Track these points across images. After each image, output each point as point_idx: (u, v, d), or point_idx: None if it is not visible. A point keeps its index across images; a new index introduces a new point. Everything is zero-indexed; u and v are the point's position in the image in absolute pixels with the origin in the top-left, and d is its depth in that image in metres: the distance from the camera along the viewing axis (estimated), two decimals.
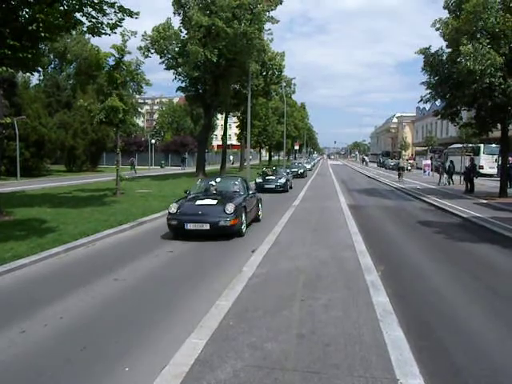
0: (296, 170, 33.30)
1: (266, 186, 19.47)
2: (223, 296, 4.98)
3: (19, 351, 3.84)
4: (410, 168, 45.68)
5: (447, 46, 17.27)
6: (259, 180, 20.15)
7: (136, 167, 35.70)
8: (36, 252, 6.99)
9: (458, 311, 5.01)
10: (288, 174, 23.41)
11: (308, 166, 48.01)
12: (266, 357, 3.51)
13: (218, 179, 11.42)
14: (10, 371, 3.51)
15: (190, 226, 8.56)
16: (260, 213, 11.45)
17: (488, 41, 15.06)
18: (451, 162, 26.43)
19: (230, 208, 8.71)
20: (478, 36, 15.45)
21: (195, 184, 11.35)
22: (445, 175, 25.82)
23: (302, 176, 32.73)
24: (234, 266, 6.53)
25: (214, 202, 9.23)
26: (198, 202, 9.25)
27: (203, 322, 4.24)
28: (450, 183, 25.42)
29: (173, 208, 8.96)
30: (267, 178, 20.55)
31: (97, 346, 3.95)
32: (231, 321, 4.25)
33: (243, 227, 9.28)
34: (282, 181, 20.02)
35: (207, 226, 8.52)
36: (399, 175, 28.91)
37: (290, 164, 43.39)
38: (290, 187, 21.28)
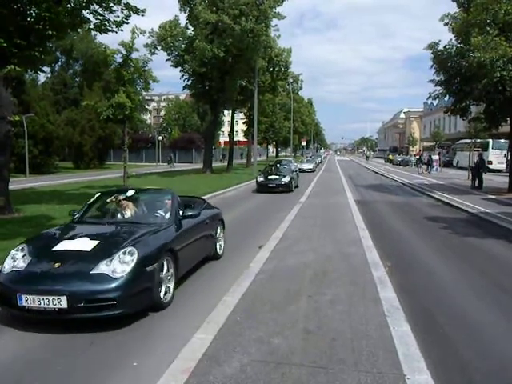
0: (276, 178, 18.28)
1: None
2: (230, 292, 5.00)
3: None
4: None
5: (456, 40, 17.08)
6: None
7: (174, 163, 39.82)
8: None
9: (465, 306, 4.99)
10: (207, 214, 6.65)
11: (309, 167, 35.17)
12: (273, 352, 3.53)
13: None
14: None
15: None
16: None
17: (497, 32, 14.84)
18: (430, 156, 33.78)
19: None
20: (488, 29, 15.23)
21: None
22: (424, 166, 32.85)
23: (286, 189, 17.85)
24: (242, 261, 6.54)
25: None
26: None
27: (210, 317, 4.26)
28: (427, 171, 31.66)
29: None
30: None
31: (102, 342, 3.99)
32: (238, 316, 4.27)
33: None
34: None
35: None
36: (366, 159, 58.83)
37: (267, 165, 23.35)
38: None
